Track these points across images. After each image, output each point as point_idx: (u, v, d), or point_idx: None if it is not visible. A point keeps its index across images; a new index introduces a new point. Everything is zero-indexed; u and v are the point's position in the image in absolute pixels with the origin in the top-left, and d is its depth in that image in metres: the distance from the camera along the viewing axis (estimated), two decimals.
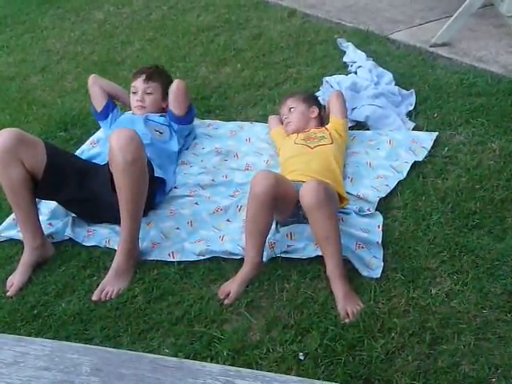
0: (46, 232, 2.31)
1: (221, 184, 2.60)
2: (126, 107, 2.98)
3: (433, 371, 1.66)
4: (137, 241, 2.18)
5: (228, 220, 2.37)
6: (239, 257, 2.13)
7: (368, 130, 2.87)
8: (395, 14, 4.04)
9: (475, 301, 1.86)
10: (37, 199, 2.33)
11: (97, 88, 2.89)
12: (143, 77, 2.80)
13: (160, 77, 2.85)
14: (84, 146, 2.94)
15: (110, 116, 2.87)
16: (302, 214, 2.15)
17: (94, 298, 2.05)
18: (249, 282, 2.02)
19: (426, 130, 2.77)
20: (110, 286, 2.07)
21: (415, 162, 2.54)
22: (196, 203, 2.48)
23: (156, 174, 2.39)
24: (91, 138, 2.99)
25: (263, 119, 3.02)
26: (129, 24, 4.59)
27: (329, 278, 1.96)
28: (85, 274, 2.17)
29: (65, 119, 3.22)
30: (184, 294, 2.03)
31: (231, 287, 2.00)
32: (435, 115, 2.86)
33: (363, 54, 3.39)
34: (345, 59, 3.47)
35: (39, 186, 2.22)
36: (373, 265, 2.03)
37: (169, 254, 2.21)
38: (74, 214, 2.43)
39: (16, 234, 2.36)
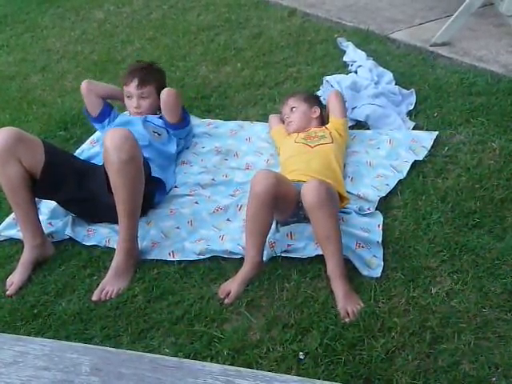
0: (46, 231, 2.31)
1: (221, 183, 2.60)
2: (124, 105, 2.91)
3: (433, 370, 1.66)
4: (135, 240, 2.18)
5: (228, 219, 2.37)
6: (239, 256, 2.13)
7: (368, 129, 2.87)
8: (395, 14, 4.04)
9: (475, 300, 1.86)
10: (37, 199, 2.33)
11: (92, 96, 2.79)
12: (136, 82, 2.70)
13: (153, 78, 2.75)
14: (84, 146, 2.93)
15: (108, 120, 2.81)
16: (302, 214, 2.15)
17: (94, 297, 2.05)
18: (249, 281, 2.02)
19: (426, 130, 2.76)
20: (109, 285, 2.07)
21: (415, 161, 2.54)
22: (196, 202, 2.48)
23: (154, 174, 2.39)
24: (91, 138, 2.99)
25: (263, 118, 3.02)
26: (129, 23, 4.59)
27: (329, 277, 1.96)
28: (85, 274, 2.17)
29: (65, 118, 3.22)
30: (184, 294, 2.02)
31: (231, 287, 1.99)
32: (435, 115, 2.86)
33: (363, 53, 3.39)
34: (345, 59, 3.47)
35: (37, 185, 2.22)
36: (373, 264, 2.03)
37: (169, 254, 2.21)
38: (73, 214, 2.43)
39: (16, 233, 2.36)
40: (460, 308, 1.84)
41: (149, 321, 1.94)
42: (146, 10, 4.80)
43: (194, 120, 3.03)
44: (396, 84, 3.08)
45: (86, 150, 2.86)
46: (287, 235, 2.18)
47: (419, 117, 2.88)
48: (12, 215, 2.41)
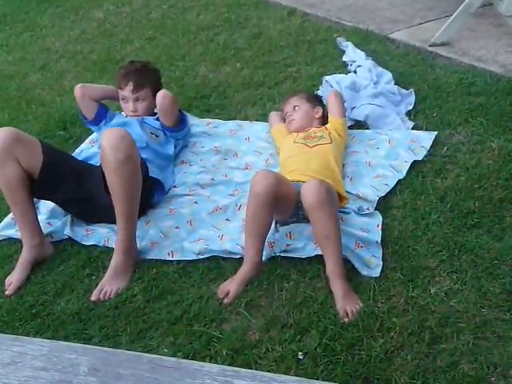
0: (45, 231, 2.31)
1: (220, 183, 2.60)
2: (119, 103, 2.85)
3: (432, 370, 1.66)
4: (134, 240, 2.18)
5: (227, 219, 2.37)
6: (238, 256, 2.13)
7: (367, 129, 2.87)
8: (395, 14, 4.04)
9: (474, 300, 1.86)
10: (35, 199, 2.33)
11: (87, 100, 2.74)
12: (131, 86, 2.64)
13: (148, 80, 2.69)
14: (83, 145, 2.93)
15: (104, 121, 2.77)
16: (301, 214, 2.15)
17: (93, 297, 2.04)
18: (248, 281, 2.02)
19: (426, 130, 2.77)
20: (108, 285, 2.06)
21: (414, 161, 2.54)
22: (195, 202, 2.48)
23: (152, 175, 2.39)
24: (90, 137, 2.99)
25: (263, 118, 3.02)
26: (128, 23, 4.58)
27: (328, 277, 1.96)
28: (84, 274, 2.17)
29: (64, 118, 3.22)
30: (183, 294, 2.02)
31: (230, 286, 1.99)
32: (434, 114, 2.86)
33: (363, 53, 3.39)
34: (344, 58, 3.47)
35: (36, 185, 2.22)
36: (372, 264, 2.03)
37: (168, 253, 2.21)
38: (72, 214, 2.43)
39: (15, 233, 2.36)
40: (459, 308, 1.84)
41: (148, 321, 1.94)
42: (146, 9, 4.80)
43: (194, 120, 3.03)
44: (395, 84, 3.08)
45: (85, 150, 2.86)
46: (286, 235, 2.18)
47: (418, 117, 2.88)
48: (11, 215, 2.40)
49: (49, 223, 2.39)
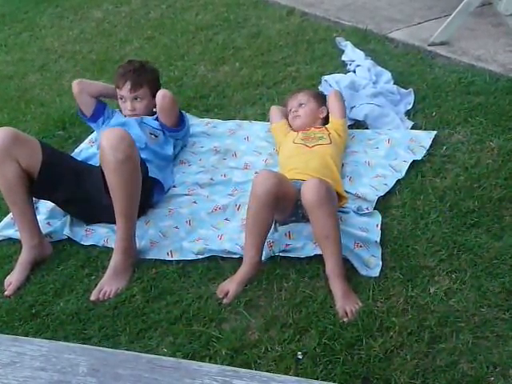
0: (44, 231, 2.31)
1: (219, 183, 2.60)
2: (118, 102, 2.84)
3: (431, 370, 1.66)
4: (133, 239, 2.18)
5: (226, 219, 2.37)
6: (238, 256, 2.13)
7: (367, 128, 2.86)
8: (394, 13, 4.04)
9: (473, 299, 1.86)
10: (35, 199, 2.33)
11: (84, 96, 2.74)
12: (129, 85, 2.63)
13: (146, 79, 2.67)
14: (82, 145, 2.93)
15: (102, 118, 2.77)
16: (300, 213, 2.15)
17: (93, 297, 2.04)
18: (247, 281, 2.02)
19: (425, 129, 2.77)
20: (108, 285, 2.06)
21: (414, 160, 2.54)
22: (195, 202, 2.48)
23: (151, 174, 2.38)
24: (89, 137, 2.98)
25: (262, 118, 3.02)
26: (127, 23, 4.58)
27: (328, 276, 1.96)
28: (83, 274, 2.17)
29: (63, 118, 3.22)
30: (182, 293, 2.02)
31: (230, 286, 1.99)
32: (434, 114, 2.86)
33: (362, 52, 3.39)
34: (343, 58, 3.47)
35: (35, 185, 2.22)
36: (371, 264, 2.03)
37: (167, 253, 2.21)
38: (71, 215, 2.43)
39: (14, 233, 2.35)
40: (458, 307, 1.84)
41: (147, 321, 1.94)
42: (145, 9, 4.80)
43: (193, 119, 3.03)
44: (394, 83, 3.08)
45: (84, 150, 2.86)
46: (286, 235, 2.18)
47: (417, 116, 2.88)
48: (10, 215, 2.40)
49: (48, 223, 2.39)
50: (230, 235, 2.24)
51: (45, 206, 2.47)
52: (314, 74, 3.37)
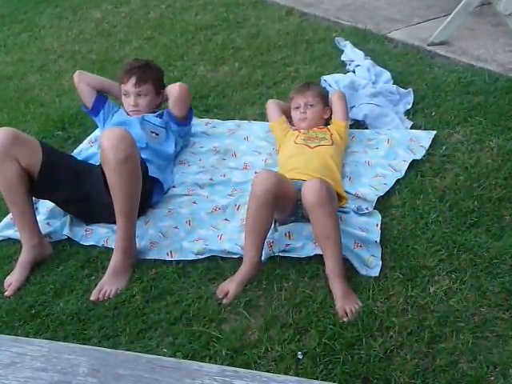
0: (44, 231, 2.30)
1: (219, 183, 2.60)
2: (119, 100, 2.86)
3: (431, 370, 1.66)
4: (133, 239, 2.18)
5: (226, 219, 2.37)
6: (238, 256, 2.13)
7: (366, 128, 2.87)
8: (393, 13, 4.04)
9: (473, 299, 1.86)
10: (34, 199, 2.33)
11: (83, 85, 2.78)
12: (133, 80, 2.68)
13: (151, 76, 2.73)
14: (82, 145, 2.93)
15: (102, 112, 2.79)
16: (300, 213, 2.15)
17: (92, 297, 2.04)
18: (247, 281, 2.02)
19: (424, 129, 2.77)
20: (108, 285, 2.06)
21: (413, 160, 2.54)
22: (194, 202, 2.48)
23: (151, 174, 2.39)
24: (89, 137, 2.99)
25: (261, 118, 3.02)
26: (127, 23, 4.58)
27: (328, 276, 1.96)
28: (83, 274, 2.17)
29: (62, 118, 3.22)
30: (182, 294, 2.02)
31: (230, 286, 1.99)
32: (433, 114, 2.86)
33: (361, 52, 3.40)
34: (343, 58, 3.47)
35: (35, 185, 2.22)
36: (371, 263, 2.03)
37: (167, 254, 2.21)
38: (71, 215, 2.43)
39: (14, 233, 2.35)
40: (458, 307, 1.84)
41: (147, 321, 1.93)
42: (144, 9, 4.80)
43: (193, 120, 3.02)
44: (394, 83, 3.08)
45: (84, 150, 2.86)
46: (285, 235, 2.18)
47: (417, 116, 2.88)
48: (10, 215, 2.40)
49: (48, 223, 2.39)
50: (229, 235, 2.24)
51: (44, 207, 2.47)
52: (313, 73, 3.37)
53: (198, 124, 3.02)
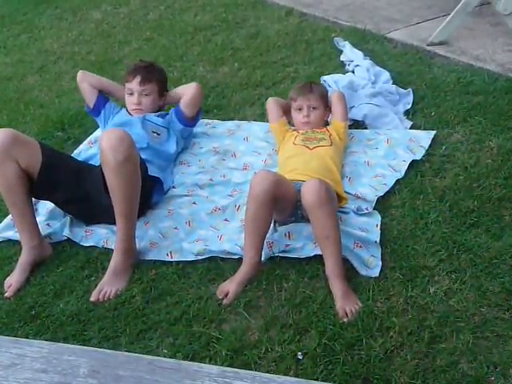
0: (44, 232, 2.30)
1: (219, 183, 2.60)
2: (120, 101, 2.90)
3: (431, 370, 1.66)
4: (133, 240, 2.18)
5: (226, 220, 2.37)
6: (237, 256, 2.13)
7: (366, 128, 2.87)
8: (392, 13, 4.04)
9: (473, 299, 1.86)
10: (34, 200, 2.33)
11: (85, 84, 2.84)
12: (138, 79, 2.72)
13: (155, 76, 2.79)
14: (82, 146, 2.93)
15: (103, 112, 2.82)
16: (300, 213, 2.15)
17: (92, 298, 2.04)
18: (247, 281, 2.02)
19: (424, 129, 2.77)
20: (108, 286, 2.06)
21: (413, 160, 2.54)
22: (194, 203, 2.48)
23: (151, 173, 2.39)
24: (89, 138, 2.99)
25: (261, 118, 3.02)
26: (126, 24, 4.58)
27: (327, 277, 1.96)
28: (83, 275, 2.17)
29: (62, 119, 3.22)
30: (182, 294, 2.02)
31: (230, 287, 1.99)
32: (433, 114, 2.86)
33: (360, 52, 3.40)
34: (342, 58, 3.47)
35: (35, 186, 2.22)
36: (371, 264, 2.03)
37: (167, 254, 2.21)
38: (71, 215, 2.43)
39: (14, 234, 2.35)
40: (458, 307, 1.84)
41: (147, 322, 1.93)
42: (143, 10, 4.80)
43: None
44: (393, 83, 3.09)
45: (83, 151, 2.86)
46: (285, 235, 2.18)
47: (416, 116, 2.89)
48: (10, 216, 2.40)
49: (48, 224, 2.39)
50: (229, 236, 2.24)
51: (44, 208, 2.47)
52: (312, 74, 3.37)
53: (198, 124, 3.01)
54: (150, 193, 2.40)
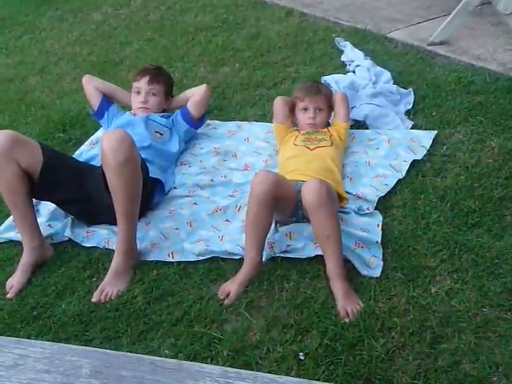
0: (45, 233, 2.31)
1: (220, 184, 2.60)
2: (124, 105, 2.95)
3: (433, 370, 1.66)
4: (134, 241, 2.18)
5: (227, 220, 2.37)
6: (239, 257, 2.13)
7: (367, 128, 2.87)
8: (393, 13, 4.04)
9: (475, 299, 1.86)
10: (36, 201, 2.33)
11: (90, 87, 2.91)
12: (147, 78, 2.80)
13: (163, 78, 2.88)
14: (83, 147, 2.93)
15: (106, 114, 2.87)
16: (301, 214, 2.15)
17: (94, 299, 2.04)
18: (248, 282, 2.02)
19: (425, 129, 2.77)
20: (109, 287, 2.07)
21: (414, 160, 2.54)
22: (195, 203, 2.48)
23: (152, 175, 2.39)
24: (90, 139, 2.99)
25: (262, 119, 3.02)
26: (127, 25, 4.59)
27: (329, 277, 1.96)
28: (84, 275, 2.17)
29: (63, 120, 3.22)
30: (184, 295, 2.02)
31: (231, 287, 2.00)
32: (434, 114, 2.86)
33: (361, 53, 3.40)
34: (343, 58, 3.47)
35: (36, 186, 2.23)
36: (372, 264, 2.03)
37: (168, 255, 2.21)
38: (72, 216, 2.43)
39: (15, 235, 2.35)
40: (460, 307, 1.84)
41: (148, 322, 1.94)
42: (144, 11, 4.80)
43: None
44: (394, 83, 3.09)
45: (85, 152, 2.86)
46: (286, 235, 2.18)
47: (418, 116, 2.88)
48: (11, 217, 2.40)
49: (49, 225, 2.39)
50: (230, 236, 2.24)
51: (46, 209, 2.48)
52: (313, 74, 3.37)
53: None
54: (151, 194, 2.41)
